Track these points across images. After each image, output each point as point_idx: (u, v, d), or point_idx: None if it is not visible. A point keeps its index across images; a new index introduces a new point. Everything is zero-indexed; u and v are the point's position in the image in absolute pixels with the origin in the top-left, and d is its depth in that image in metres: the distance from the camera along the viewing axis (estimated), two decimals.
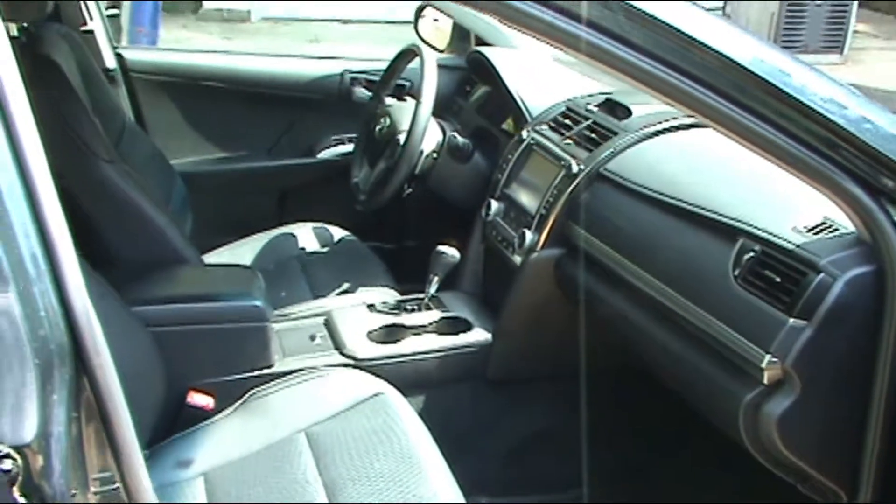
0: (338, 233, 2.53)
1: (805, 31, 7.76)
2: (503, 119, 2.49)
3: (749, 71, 1.17)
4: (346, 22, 8.95)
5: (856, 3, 7.85)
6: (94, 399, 0.95)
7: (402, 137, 2.23)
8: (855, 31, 8.08)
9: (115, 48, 2.60)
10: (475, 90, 2.64)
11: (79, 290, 0.94)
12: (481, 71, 2.55)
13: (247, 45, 7.85)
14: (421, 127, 2.16)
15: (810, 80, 1.21)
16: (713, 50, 1.16)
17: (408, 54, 2.41)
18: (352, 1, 8.17)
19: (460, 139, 2.29)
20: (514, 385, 2.05)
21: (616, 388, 1.94)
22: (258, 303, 1.83)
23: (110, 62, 2.56)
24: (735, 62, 1.17)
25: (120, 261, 1.87)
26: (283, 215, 2.68)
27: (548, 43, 1.15)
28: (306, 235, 2.51)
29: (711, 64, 1.17)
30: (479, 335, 2.02)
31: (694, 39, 1.16)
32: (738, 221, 1.50)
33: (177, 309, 1.78)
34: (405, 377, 1.89)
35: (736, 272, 1.46)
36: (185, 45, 7.43)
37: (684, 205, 1.64)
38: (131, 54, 2.66)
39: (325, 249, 2.47)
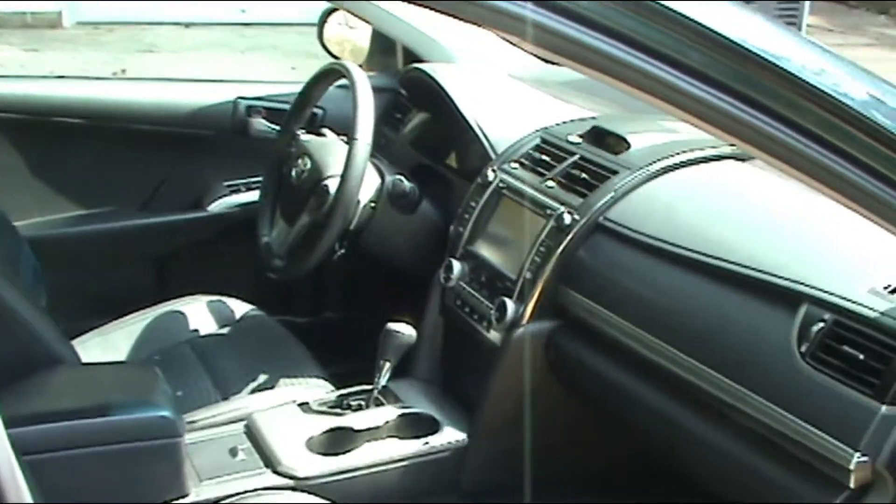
0: (239, 307, 2.46)
1: None
2: (446, 154, 2.47)
3: (829, 95, 1.16)
4: (188, 26, 8.86)
5: None
6: None
7: (331, 183, 2.18)
8: (808, 26, 8.49)
9: None
10: (409, 118, 2.62)
11: None
12: (420, 93, 2.54)
13: (59, 58, 7.65)
14: (359, 170, 2.12)
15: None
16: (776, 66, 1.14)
17: (329, 75, 2.36)
18: None
19: (406, 184, 2.26)
20: (495, 495, 2.01)
21: (631, 496, 1.92)
22: (166, 413, 1.74)
23: None
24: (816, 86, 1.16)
25: None
26: (166, 288, 2.60)
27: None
28: (198, 313, 2.42)
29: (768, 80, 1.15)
30: (450, 436, 1.99)
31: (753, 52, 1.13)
32: (799, 283, 1.50)
33: (58, 429, 1.67)
34: (360, 496, 1.86)
35: (802, 348, 1.45)
36: None
37: (720, 262, 1.64)
38: None
39: (225, 330, 2.39)
